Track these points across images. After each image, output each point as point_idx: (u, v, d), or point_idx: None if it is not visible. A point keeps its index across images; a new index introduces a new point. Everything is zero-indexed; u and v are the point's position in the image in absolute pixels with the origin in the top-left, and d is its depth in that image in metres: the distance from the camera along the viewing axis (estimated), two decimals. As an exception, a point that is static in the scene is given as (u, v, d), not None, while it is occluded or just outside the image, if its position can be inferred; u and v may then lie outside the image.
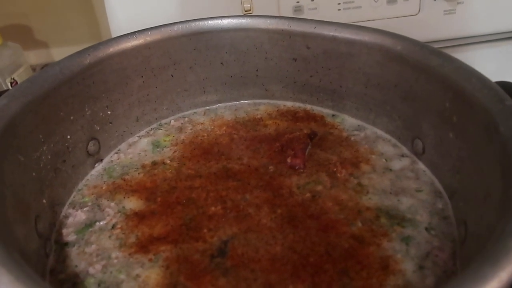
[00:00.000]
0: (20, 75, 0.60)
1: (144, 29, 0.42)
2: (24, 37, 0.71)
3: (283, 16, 0.48)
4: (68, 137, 0.37)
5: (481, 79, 0.30)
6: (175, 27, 0.43)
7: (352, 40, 0.40)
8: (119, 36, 0.41)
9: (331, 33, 0.41)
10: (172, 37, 0.43)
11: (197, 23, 0.43)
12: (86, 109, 0.38)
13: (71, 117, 0.37)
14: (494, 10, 0.63)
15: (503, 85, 0.30)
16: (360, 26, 0.41)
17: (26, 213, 0.30)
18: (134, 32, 0.41)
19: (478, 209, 0.28)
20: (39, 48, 0.74)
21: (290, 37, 0.43)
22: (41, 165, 0.33)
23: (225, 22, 0.44)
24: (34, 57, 0.73)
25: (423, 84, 0.36)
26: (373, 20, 0.61)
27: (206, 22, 0.43)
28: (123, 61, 0.40)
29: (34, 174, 0.32)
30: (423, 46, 0.36)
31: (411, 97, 0.38)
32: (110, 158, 0.42)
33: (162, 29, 0.42)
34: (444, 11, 0.62)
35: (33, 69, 0.68)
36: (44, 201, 0.33)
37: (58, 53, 0.74)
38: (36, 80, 0.34)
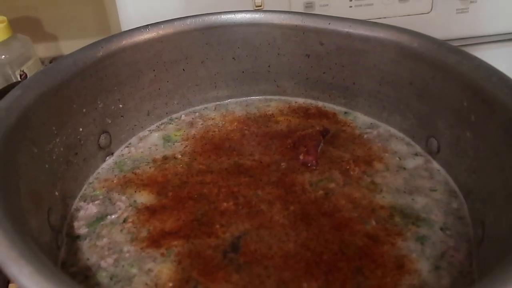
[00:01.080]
0: (29, 68, 0.60)
1: (157, 23, 0.41)
2: (33, 30, 0.71)
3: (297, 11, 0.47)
4: (80, 129, 0.36)
5: (502, 78, 0.30)
6: (188, 21, 0.42)
7: (367, 37, 0.40)
8: (131, 29, 0.41)
9: (346, 30, 0.41)
10: (184, 31, 0.42)
11: (210, 17, 0.43)
12: (98, 102, 0.38)
13: (84, 110, 0.37)
14: (508, 9, 0.62)
15: (523, 84, 0.30)
16: (375, 22, 0.40)
17: (39, 205, 0.29)
18: (147, 25, 0.41)
19: (497, 209, 0.28)
20: (48, 41, 0.73)
21: (303, 33, 0.43)
22: (54, 157, 0.33)
23: (238, 16, 0.43)
24: (43, 50, 0.73)
25: (439, 82, 0.35)
26: (385, 17, 0.60)
27: (219, 17, 0.43)
28: (136, 54, 0.40)
29: (47, 166, 0.32)
30: (441, 44, 0.35)
31: (426, 95, 0.37)
32: (121, 151, 0.41)
33: (175, 23, 0.42)
34: (457, 9, 0.61)
35: (42, 62, 0.68)
36: (56, 193, 0.33)
37: (67, 46, 0.74)
38: (49, 72, 0.34)
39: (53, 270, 0.19)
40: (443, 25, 0.62)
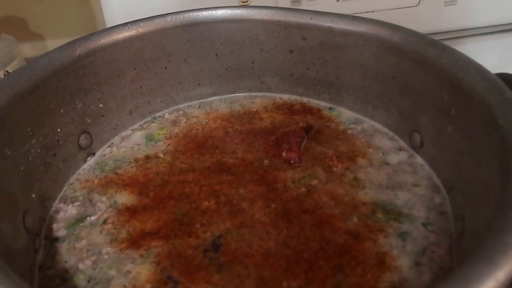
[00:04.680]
0: (14, 68, 0.59)
1: (137, 20, 0.41)
2: (19, 29, 0.70)
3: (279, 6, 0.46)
4: (58, 130, 0.36)
5: (480, 71, 0.29)
6: (168, 18, 0.42)
7: (348, 31, 0.39)
8: (110, 27, 0.40)
9: (327, 24, 0.40)
10: (165, 28, 0.42)
11: (190, 14, 0.42)
12: (77, 102, 0.38)
13: (61, 110, 0.36)
14: (496, 1, 0.62)
15: (504, 77, 0.29)
16: (356, 16, 0.40)
17: (13, 208, 0.29)
18: (126, 23, 0.40)
19: (476, 204, 0.27)
20: (34, 41, 0.72)
21: (286, 28, 0.42)
22: (30, 159, 0.32)
23: (220, 12, 0.43)
24: (29, 49, 0.72)
25: (420, 76, 0.35)
26: (373, 11, 0.60)
27: (200, 13, 0.42)
28: (115, 52, 0.40)
29: (22, 168, 0.31)
30: (421, 37, 0.35)
31: (408, 90, 0.37)
32: (103, 151, 0.41)
33: (155, 20, 0.41)
34: (445, 2, 0.61)
35: (28, 62, 0.67)
36: (33, 195, 0.32)
37: (53, 46, 0.72)
38: (23, 72, 0.33)
39: (12, 277, 0.19)
40: (431, 18, 0.61)
